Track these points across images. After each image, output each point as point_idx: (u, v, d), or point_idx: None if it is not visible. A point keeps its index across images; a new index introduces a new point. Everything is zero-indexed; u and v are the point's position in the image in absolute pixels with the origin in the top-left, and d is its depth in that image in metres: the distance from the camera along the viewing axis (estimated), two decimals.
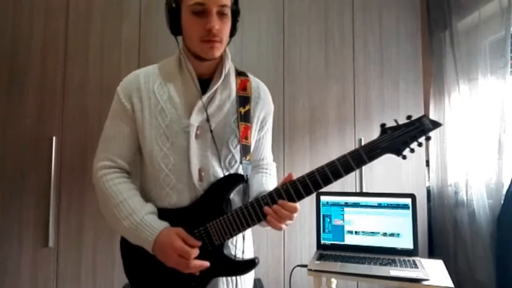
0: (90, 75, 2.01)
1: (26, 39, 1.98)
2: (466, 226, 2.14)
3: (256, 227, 0.96)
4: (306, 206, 2.11)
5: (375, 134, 2.22)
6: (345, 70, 2.24)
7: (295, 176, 0.92)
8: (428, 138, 0.89)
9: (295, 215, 0.92)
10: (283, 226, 0.92)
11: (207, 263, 0.91)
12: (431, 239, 2.33)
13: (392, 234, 1.70)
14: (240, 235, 0.99)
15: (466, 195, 2.16)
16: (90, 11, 2.04)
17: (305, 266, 1.59)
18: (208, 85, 0.99)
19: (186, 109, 0.98)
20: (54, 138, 1.95)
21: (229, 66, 1.02)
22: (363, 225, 1.74)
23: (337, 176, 0.89)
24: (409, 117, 0.90)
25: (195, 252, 0.91)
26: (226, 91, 1.02)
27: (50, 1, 2.01)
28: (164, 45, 2.04)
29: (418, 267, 1.50)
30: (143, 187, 1.04)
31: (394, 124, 0.90)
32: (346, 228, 1.76)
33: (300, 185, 0.90)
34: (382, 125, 0.92)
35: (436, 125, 0.88)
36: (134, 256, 0.98)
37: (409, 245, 1.67)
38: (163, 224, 0.93)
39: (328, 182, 0.89)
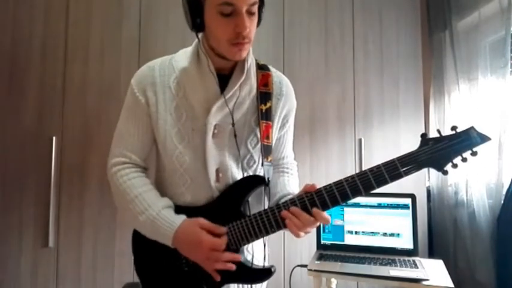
0: (90, 75, 2.00)
1: (26, 39, 1.98)
2: (466, 226, 2.14)
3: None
4: None
5: (374, 134, 2.26)
6: (345, 70, 2.24)
7: (317, 187, 0.87)
8: (474, 154, 0.79)
9: (317, 223, 0.85)
10: (302, 234, 0.86)
11: (239, 256, 0.87)
12: (431, 239, 2.33)
13: (392, 234, 1.70)
14: (257, 241, 0.94)
15: (466, 196, 2.16)
16: (90, 10, 2.04)
17: (305, 266, 1.59)
18: (227, 80, 0.93)
19: (203, 107, 0.92)
20: (54, 138, 1.95)
21: (250, 61, 0.95)
22: (363, 225, 1.74)
23: (368, 188, 0.82)
24: (454, 128, 0.81)
25: (225, 240, 0.87)
26: (246, 87, 0.95)
27: (50, 1, 2.00)
28: (164, 45, 2.04)
29: (418, 267, 1.50)
30: (159, 182, 1.01)
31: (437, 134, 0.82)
32: (346, 228, 1.76)
33: (326, 194, 0.85)
34: (423, 135, 0.83)
35: (484, 139, 0.78)
36: (146, 253, 0.95)
37: (409, 245, 1.67)
38: (181, 217, 0.90)
39: (357, 193, 0.83)
